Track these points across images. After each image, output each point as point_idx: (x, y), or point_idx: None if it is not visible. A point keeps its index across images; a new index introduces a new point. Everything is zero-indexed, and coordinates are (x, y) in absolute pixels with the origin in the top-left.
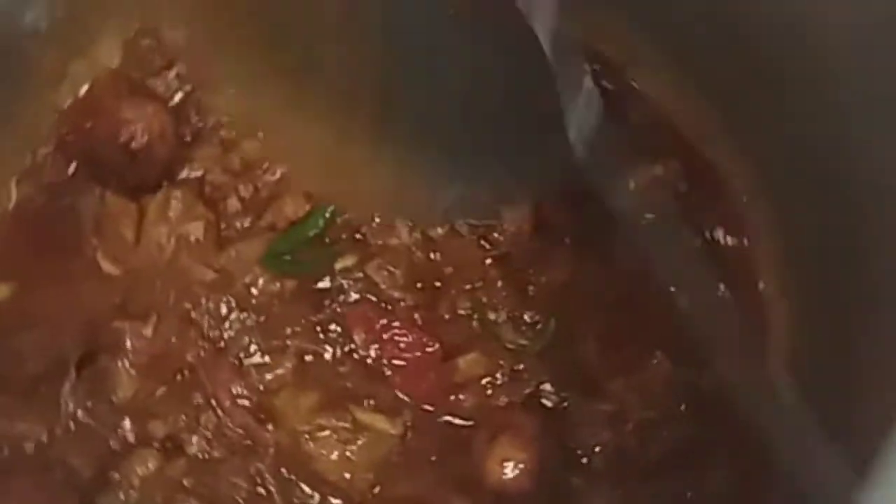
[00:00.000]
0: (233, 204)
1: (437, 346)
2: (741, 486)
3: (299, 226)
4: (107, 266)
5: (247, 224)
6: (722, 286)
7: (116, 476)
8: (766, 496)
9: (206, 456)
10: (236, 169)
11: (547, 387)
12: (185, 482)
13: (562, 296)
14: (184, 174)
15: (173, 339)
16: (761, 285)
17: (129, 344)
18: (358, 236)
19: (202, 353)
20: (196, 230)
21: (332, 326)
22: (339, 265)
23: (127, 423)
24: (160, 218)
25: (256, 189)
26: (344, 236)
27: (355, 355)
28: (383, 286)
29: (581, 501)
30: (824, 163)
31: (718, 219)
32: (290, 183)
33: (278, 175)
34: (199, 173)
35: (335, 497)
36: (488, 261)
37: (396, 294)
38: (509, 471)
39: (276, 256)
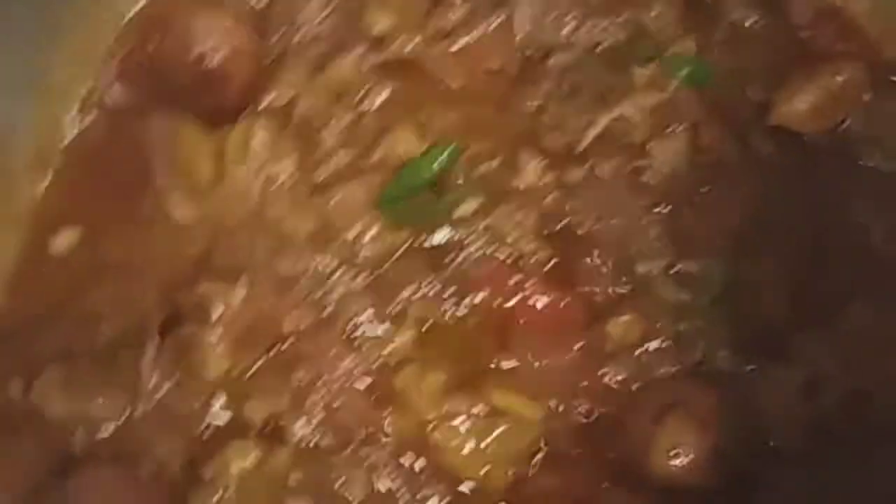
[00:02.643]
0: (329, 136)
1: (579, 307)
2: None
3: (415, 165)
4: (181, 211)
5: (347, 161)
6: None
7: (209, 474)
8: None
9: (314, 445)
10: (331, 92)
11: (722, 351)
12: (292, 478)
13: (733, 239)
14: (267, 100)
15: (267, 305)
16: None
17: (217, 311)
18: (479, 178)
19: (303, 323)
20: (286, 168)
21: (455, 287)
22: (457, 213)
23: (219, 404)
24: (242, 153)
25: (358, 117)
26: (462, 180)
27: (484, 322)
28: (511, 238)
29: (768, 495)
30: None
31: None
32: (399, 109)
33: (383, 98)
34: (285, 100)
35: (470, 495)
36: (633, 205)
37: (527, 247)
38: (680, 459)
39: (391, 202)
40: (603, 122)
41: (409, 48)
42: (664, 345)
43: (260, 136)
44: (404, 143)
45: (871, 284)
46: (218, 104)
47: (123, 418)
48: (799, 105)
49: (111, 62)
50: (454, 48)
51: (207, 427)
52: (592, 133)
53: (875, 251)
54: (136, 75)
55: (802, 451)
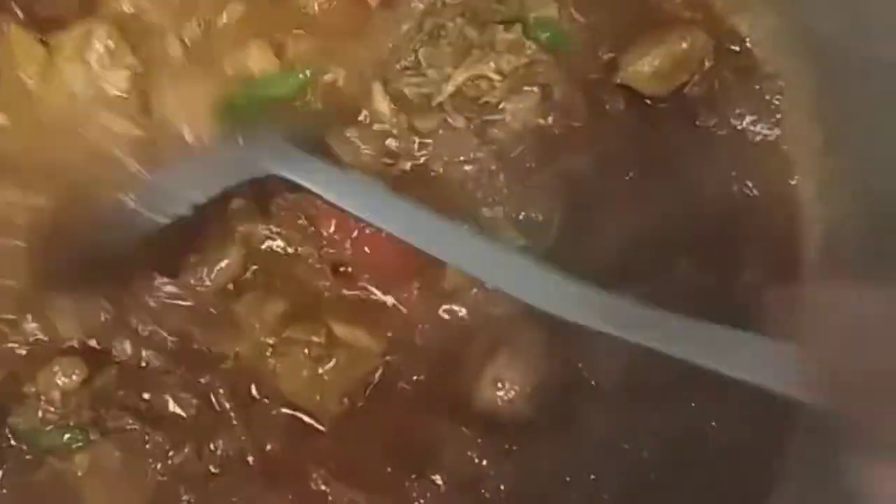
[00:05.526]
0: (173, 47)
1: None
2: (767, 414)
3: (269, 79)
4: None
5: (190, 72)
6: (749, 183)
7: (32, 389)
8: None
9: (143, 365)
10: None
11: None
12: (120, 395)
13: (572, 189)
14: (109, 6)
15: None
16: (794, 181)
17: (21, 219)
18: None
19: None
20: (119, 82)
21: (297, 217)
22: None
23: (28, 319)
24: (76, 60)
25: (207, 29)
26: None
27: (326, 254)
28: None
29: (583, 429)
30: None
31: (748, 105)
32: (254, 28)
33: (238, 15)
34: (130, 8)
35: (303, 421)
36: (483, 153)
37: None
38: (503, 393)
39: (231, 114)
40: (461, 78)
41: None
42: None
43: (97, 44)
44: (258, 59)
45: (698, 241)
46: (54, 8)
47: None
48: (644, 67)
49: None
50: None
51: (23, 343)
52: (449, 88)
53: (704, 208)
54: None
55: (618, 389)
